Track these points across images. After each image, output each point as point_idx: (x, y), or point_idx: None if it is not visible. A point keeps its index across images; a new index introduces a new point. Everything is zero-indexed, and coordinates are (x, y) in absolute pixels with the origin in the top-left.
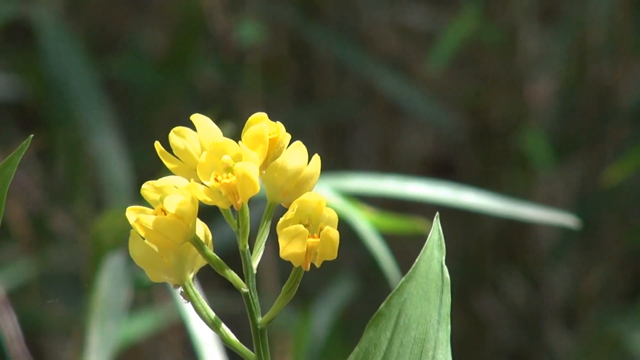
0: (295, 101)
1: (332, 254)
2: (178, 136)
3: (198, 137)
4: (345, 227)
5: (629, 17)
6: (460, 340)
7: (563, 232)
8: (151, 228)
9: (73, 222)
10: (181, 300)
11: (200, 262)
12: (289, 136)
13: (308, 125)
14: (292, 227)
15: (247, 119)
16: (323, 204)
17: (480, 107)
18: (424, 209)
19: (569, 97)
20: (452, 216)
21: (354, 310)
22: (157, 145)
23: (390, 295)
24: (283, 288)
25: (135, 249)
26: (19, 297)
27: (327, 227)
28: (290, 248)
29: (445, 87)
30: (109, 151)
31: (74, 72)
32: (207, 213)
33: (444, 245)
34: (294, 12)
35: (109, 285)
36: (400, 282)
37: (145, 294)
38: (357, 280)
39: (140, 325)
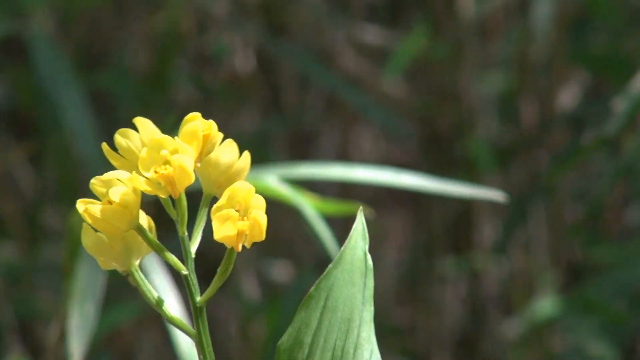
0: (263, 111)
1: (260, 236)
2: (122, 136)
3: (139, 136)
4: (305, 227)
5: (563, 35)
6: (411, 326)
7: (504, 228)
8: (99, 216)
9: (62, 219)
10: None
11: (145, 250)
12: (221, 134)
13: (275, 133)
14: (224, 212)
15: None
16: (252, 192)
17: (430, 116)
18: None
19: (509, 107)
20: (405, 214)
21: None
22: (104, 145)
23: (319, 279)
24: (218, 269)
25: (87, 240)
26: (13, 287)
27: (255, 211)
28: (222, 231)
29: (399, 98)
30: (92, 155)
31: (63, 84)
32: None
33: (367, 235)
34: (262, 31)
35: (86, 272)
36: (328, 268)
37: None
38: (317, 273)
39: (124, 312)
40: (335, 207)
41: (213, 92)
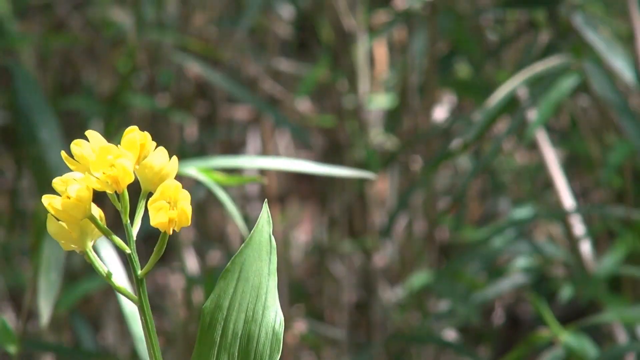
0: (201, 125)
1: (187, 222)
2: (77, 146)
3: (90, 145)
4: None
5: (435, 65)
6: (318, 292)
7: (390, 215)
8: (60, 209)
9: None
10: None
11: (97, 234)
12: (154, 143)
13: (210, 142)
14: (157, 203)
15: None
16: (179, 188)
17: (331, 129)
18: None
19: (393, 121)
20: (313, 205)
21: None
22: (63, 153)
23: (233, 257)
24: (155, 248)
25: (51, 227)
26: (6, 267)
27: (182, 203)
28: (157, 218)
29: (307, 114)
30: (59, 162)
31: (37, 107)
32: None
33: (271, 221)
34: (200, 61)
35: (50, 248)
36: (241, 247)
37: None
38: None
39: (93, 283)
40: (238, 179)
41: (162, 110)
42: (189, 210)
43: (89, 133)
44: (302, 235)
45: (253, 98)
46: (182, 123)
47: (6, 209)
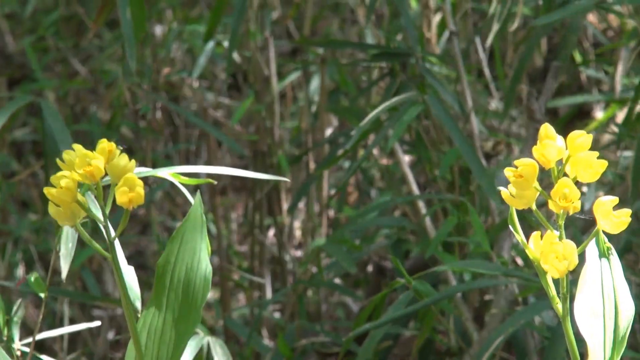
0: (167, 142)
1: (141, 201)
2: (66, 154)
3: (75, 153)
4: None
5: (326, 98)
6: (249, 253)
7: (293, 200)
8: (55, 195)
9: None
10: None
11: (83, 214)
12: (119, 151)
13: (174, 153)
14: (121, 189)
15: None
16: (135, 178)
17: (256, 142)
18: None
19: (298, 137)
20: (244, 195)
21: None
22: (58, 160)
23: (177, 228)
24: (121, 220)
25: (51, 209)
26: (37, 239)
27: (137, 188)
28: (120, 199)
29: (239, 133)
30: None
31: (58, 128)
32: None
33: (202, 204)
34: (166, 98)
35: (67, 226)
36: (183, 221)
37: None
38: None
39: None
40: (194, 180)
41: (142, 131)
42: (142, 192)
43: (75, 145)
44: (237, 214)
45: (203, 122)
46: (155, 140)
47: (38, 198)
